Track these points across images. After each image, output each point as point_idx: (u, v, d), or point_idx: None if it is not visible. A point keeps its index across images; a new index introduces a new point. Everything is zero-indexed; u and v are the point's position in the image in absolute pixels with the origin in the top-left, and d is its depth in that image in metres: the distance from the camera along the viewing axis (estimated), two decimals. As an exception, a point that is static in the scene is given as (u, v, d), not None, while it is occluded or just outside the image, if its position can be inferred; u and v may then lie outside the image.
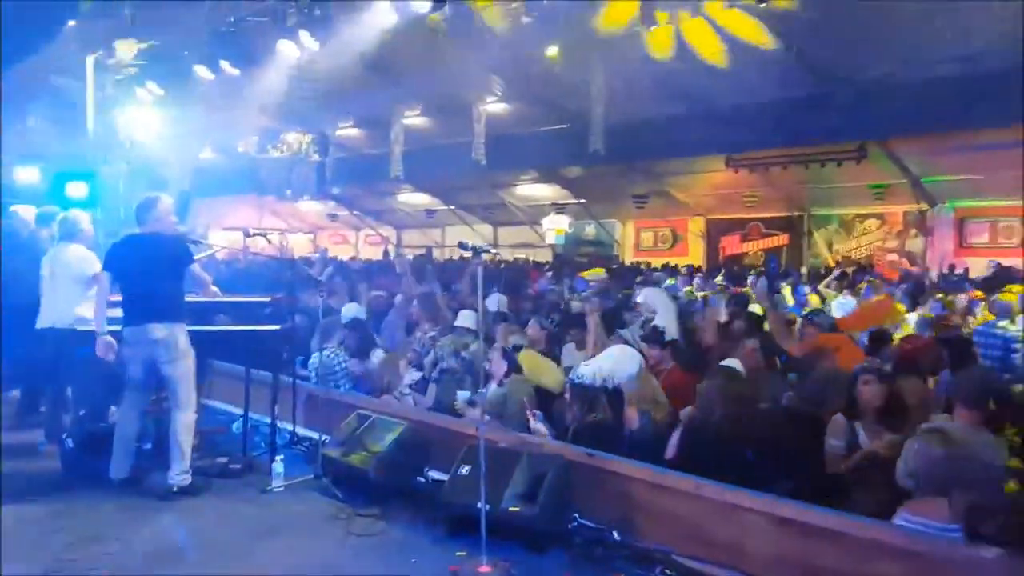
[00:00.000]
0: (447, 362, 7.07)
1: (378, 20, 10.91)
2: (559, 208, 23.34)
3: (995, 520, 3.91)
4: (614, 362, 5.69)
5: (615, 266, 20.42)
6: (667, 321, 7.26)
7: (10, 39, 7.16)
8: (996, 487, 4.08)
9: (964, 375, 5.03)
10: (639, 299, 8.35)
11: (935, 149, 15.57)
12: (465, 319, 7.59)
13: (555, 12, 11.84)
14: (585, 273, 14.54)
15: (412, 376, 7.10)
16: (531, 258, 23.60)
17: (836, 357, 6.15)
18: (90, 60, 12.29)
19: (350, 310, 8.82)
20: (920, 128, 14.17)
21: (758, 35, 11.42)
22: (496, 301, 9.21)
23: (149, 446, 6.10)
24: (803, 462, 4.81)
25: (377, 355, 7.91)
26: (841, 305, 10.55)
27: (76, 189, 10.00)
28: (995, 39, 11.31)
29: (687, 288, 13.11)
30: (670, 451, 5.12)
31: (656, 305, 7.60)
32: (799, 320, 8.27)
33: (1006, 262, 15.34)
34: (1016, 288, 10.45)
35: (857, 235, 20.11)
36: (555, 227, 23.09)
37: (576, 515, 4.87)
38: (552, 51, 13.50)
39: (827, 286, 12.46)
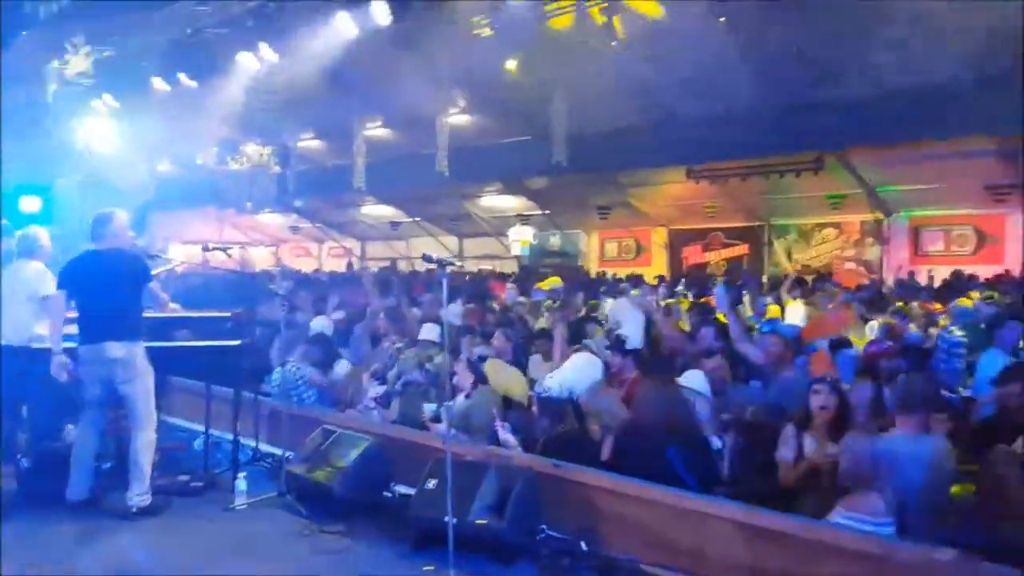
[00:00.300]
0: (411, 375, 7.03)
1: (338, 32, 10.85)
2: (524, 219, 23.38)
3: (934, 518, 4.03)
4: (577, 371, 5.72)
5: (582, 277, 20.49)
6: (632, 331, 7.30)
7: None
8: (931, 487, 4.17)
9: (902, 382, 5.03)
10: (605, 310, 8.37)
11: (890, 160, 15.83)
12: (429, 332, 7.55)
13: (517, 24, 11.91)
14: (542, 283, 14.55)
15: (376, 390, 7.04)
16: (496, 269, 23.59)
17: (813, 369, 6.24)
18: (46, 71, 12.13)
19: (318, 323, 8.74)
20: (875, 139, 14.44)
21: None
22: (451, 312, 9.15)
23: (108, 466, 5.98)
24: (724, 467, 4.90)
25: (342, 366, 7.84)
26: (794, 312, 10.58)
27: (30, 203, 9.82)
28: (949, 52, 11.60)
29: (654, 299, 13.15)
30: (604, 453, 5.16)
31: (620, 315, 7.62)
32: (757, 328, 8.33)
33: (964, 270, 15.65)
34: (974, 295, 10.67)
35: (815, 244, 20.41)
36: (520, 238, 23.11)
37: (544, 527, 4.87)
38: (513, 63, 13.55)
39: (787, 291, 12.40)
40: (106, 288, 5.52)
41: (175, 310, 6.30)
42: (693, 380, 5.66)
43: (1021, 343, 7.23)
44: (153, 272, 6.06)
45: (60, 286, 5.63)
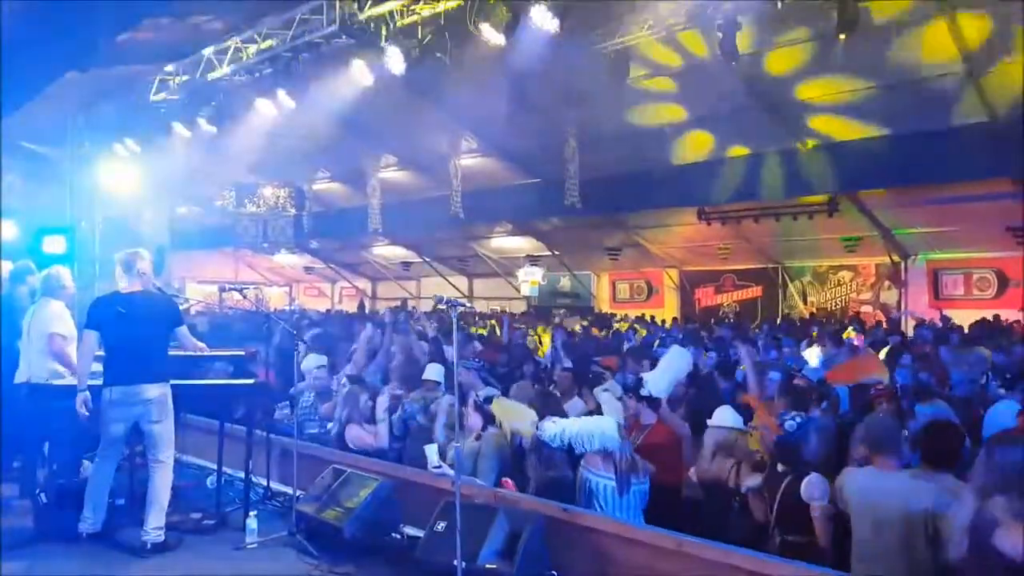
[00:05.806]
0: (418, 418, 7.00)
1: (354, 79, 11.05)
2: (533, 260, 23.48)
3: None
4: (581, 422, 5.58)
5: (590, 317, 20.52)
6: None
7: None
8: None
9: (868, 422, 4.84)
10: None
11: (905, 202, 15.75)
12: (432, 372, 7.57)
13: (531, 68, 12.09)
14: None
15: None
16: (507, 309, 23.67)
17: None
18: (71, 121, 12.42)
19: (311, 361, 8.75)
20: (889, 181, 14.42)
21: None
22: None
23: (122, 501, 6.03)
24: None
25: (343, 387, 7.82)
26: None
27: (54, 244, 9.98)
28: (966, 93, 11.66)
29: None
30: None
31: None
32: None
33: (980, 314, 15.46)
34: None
35: (831, 287, 20.33)
36: (530, 279, 23.19)
37: (554, 572, 4.84)
38: (527, 106, 13.75)
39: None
40: (143, 331, 5.63)
41: (203, 350, 6.40)
42: (726, 417, 5.64)
43: None
44: None
45: (90, 326, 5.69)
